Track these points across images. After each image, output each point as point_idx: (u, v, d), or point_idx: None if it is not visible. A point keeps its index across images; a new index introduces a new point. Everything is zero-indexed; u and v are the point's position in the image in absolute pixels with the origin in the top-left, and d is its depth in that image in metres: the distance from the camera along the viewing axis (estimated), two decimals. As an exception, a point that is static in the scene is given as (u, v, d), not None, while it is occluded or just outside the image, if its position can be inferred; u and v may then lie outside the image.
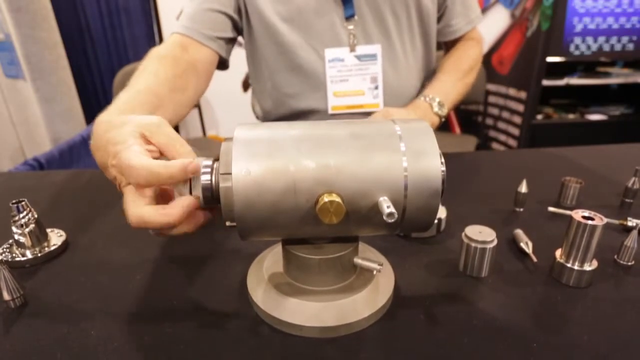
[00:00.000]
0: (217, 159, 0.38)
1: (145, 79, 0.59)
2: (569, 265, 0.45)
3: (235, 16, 0.79)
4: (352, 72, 0.82)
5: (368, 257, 0.41)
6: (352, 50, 0.80)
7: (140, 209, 0.36)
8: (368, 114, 0.85)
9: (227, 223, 0.37)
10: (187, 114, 0.70)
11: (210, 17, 0.75)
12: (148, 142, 0.39)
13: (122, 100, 0.51)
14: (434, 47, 0.89)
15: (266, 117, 0.93)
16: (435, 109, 0.75)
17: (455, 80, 0.82)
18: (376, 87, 0.83)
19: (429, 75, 0.90)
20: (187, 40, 0.73)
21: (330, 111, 0.84)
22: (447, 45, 0.93)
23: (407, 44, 0.83)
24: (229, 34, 0.79)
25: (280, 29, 0.79)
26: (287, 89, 0.84)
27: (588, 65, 2.28)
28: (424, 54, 0.88)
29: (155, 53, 0.67)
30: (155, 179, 0.35)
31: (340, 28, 0.79)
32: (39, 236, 0.52)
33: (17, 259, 0.51)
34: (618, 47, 2.06)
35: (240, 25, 0.82)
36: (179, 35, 0.73)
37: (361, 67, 0.82)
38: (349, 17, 0.78)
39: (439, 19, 0.87)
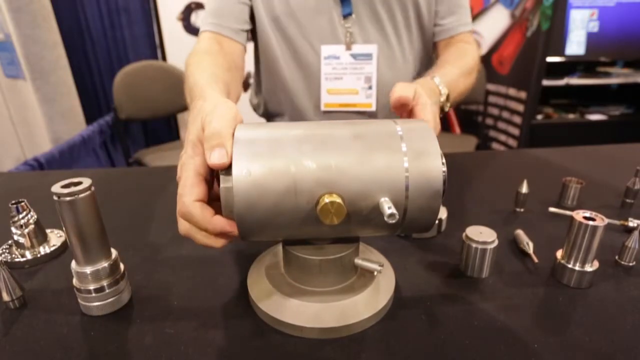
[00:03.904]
0: None
1: (211, 69, 0.60)
2: (570, 265, 0.45)
3: (250, 3, 0.80)
4: (347, 71, 0.82)
5: (369, 258, 0.41)
6: (348, 48, 0.80)
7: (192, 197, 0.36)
8: (360, 113, 0.85)
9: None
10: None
11: (234, 9, 0.77)
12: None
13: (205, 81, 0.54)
14: (432, 47, 0.89)
15: (262, 109, 0.94)
16: (443, 100, 0.64)
17: (460, 75, 0.73)
18: (370, 87, 0.83)
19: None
20: (219, 37, 0.76)
21: (322, 108, 0.84)
22: (438, 47, 0.92)
23: (405, 43, 0.83)
24: (249, 25, 0.81)
25: (280, 24, 0.79)
26: (283, 82, 0.85)
27: (588, 65, 2.28)
28: (422, 53, 0.87)
29: (200, 50, 0.70)
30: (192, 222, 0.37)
31: (337, 26, 0.79)
32: (38, 237, 0.52)
33: (17, 259, 0.50)
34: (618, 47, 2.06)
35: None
36: (209, 32, 0.76)
37: (356, 66, 0.82)
38: (346, 16, 0.78)
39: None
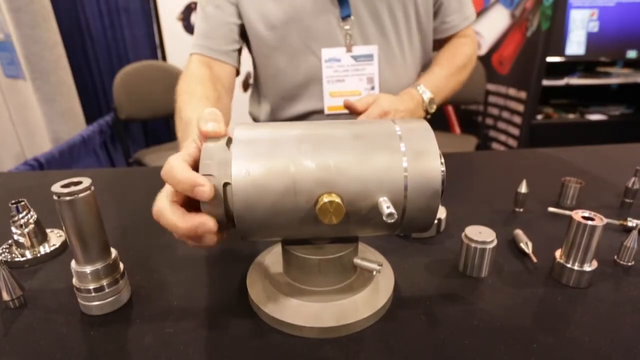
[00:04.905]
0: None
1: (203, 102, 0.63)
2: (569, 265, 0.45)
3: (240, 21, 0.80)
4: (348, 73, 0.82)
5: (368, 258, 0.41)
6: (349, 50, 0.80)
7: (163, 203, 0.36)
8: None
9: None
10: None
11: (222, 30, 0.77)
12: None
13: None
14: (431, 45, 0.89)
15: (264, 118, 0.93)
16: (426, 104, 0.75)
17: (449, 75, 0.82)
18: (372, 88, 0.83)
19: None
20: (208, 60, 0.76)
21: (326, 111, 0.84)
22: (440, 43, 0.92)
23: (405, 43, 0.83)
24: (239, 44, 0.81)
25: (278, 33, 0.79)
26: (285, 90, 0.85)
27: (588, 65, 2.28)
28: (422, 52, 0.88)
29: (192, 76, 0.71)
30: (169, 179, 0.35)
31: (336, 28, 0.79)
32: (38, 236, 0.53)
33: (17, 259, 0.51)
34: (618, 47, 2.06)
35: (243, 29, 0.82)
36: (198, 55, 0.77)
37: (357, 67, 0.81)
38: (345, 17, 0.78)
39: (434, 16, 0.86)
